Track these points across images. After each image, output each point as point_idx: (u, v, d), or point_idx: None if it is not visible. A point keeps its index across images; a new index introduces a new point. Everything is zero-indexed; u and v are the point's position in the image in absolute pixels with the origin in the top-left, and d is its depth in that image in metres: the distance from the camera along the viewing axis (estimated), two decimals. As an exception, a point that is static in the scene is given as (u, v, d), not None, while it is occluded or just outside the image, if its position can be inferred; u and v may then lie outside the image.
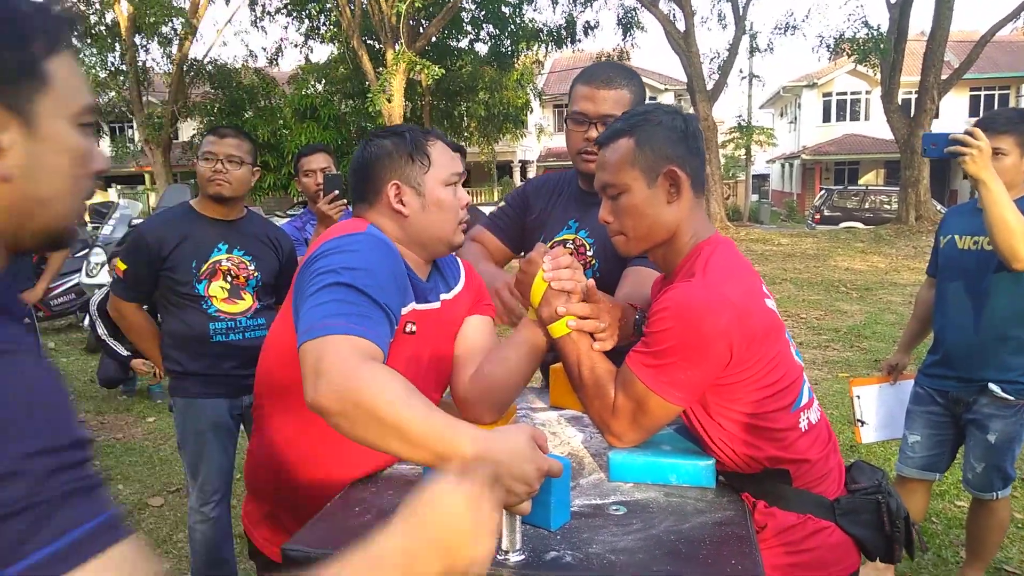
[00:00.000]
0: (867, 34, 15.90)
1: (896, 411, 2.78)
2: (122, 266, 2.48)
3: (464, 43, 20.08)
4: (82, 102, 0.68)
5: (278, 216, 13.56)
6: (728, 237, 1.38)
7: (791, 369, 1.31)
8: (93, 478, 0.57)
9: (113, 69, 19.98)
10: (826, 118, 30.31)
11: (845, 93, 29.94)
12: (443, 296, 1.48)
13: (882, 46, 15.06)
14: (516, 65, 20.17)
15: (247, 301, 2.51)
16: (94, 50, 19.66)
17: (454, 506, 0.75)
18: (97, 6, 18.71)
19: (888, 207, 18.63)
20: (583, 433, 1.58)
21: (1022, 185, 2.33)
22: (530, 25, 19.20)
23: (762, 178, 38.47)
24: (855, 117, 29.89)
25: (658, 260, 1.41)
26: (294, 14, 19.30)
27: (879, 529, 1.32)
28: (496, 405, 1.47)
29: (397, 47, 15.31)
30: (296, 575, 0.76)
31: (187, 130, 22.20)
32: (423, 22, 17.52)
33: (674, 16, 17.05)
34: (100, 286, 6.65)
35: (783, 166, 35.47)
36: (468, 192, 2.04)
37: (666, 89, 29.21)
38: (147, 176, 25.64)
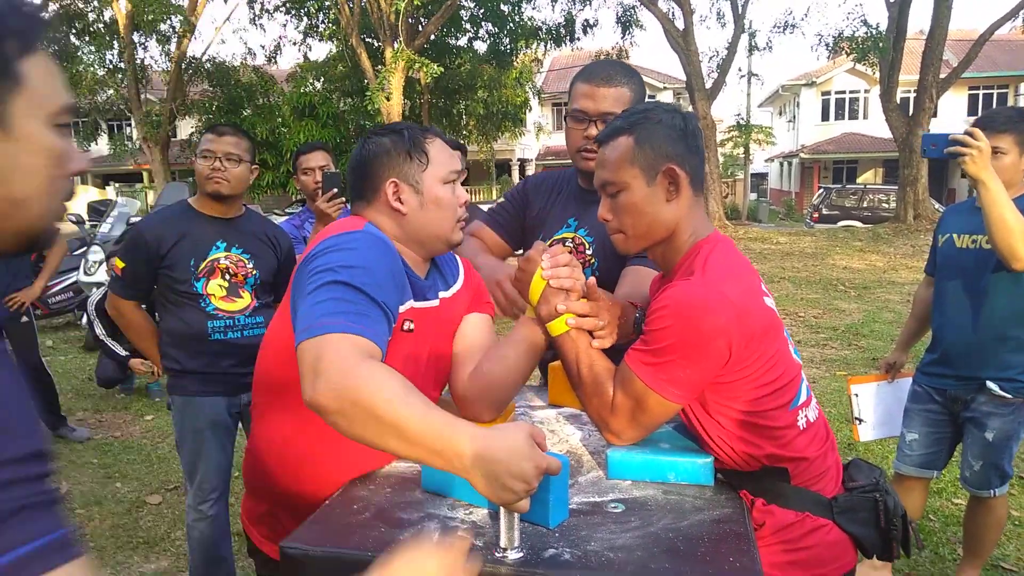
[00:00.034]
0: (866, 33, 15.90)
1: (894, 409, 2.79)
2: (120, 264, 2.48)
3: (463, 41, 20.06)
4: (59, 102, 0.67)
5: (276, 214, 13.55)
6: (727, 236, 1.38)
7: (789, 367, 1.31)
8: (49, 493, 0.56)
9: (111, 67, 19.95)
10: (825, 117, 30.33)
11: (844, 92, 29.95)
12: (442, 294, 1.48)
13: (881, 45, 15.06)
14: (515, 63, 20.14)
15: (245, 299, 2.51)
16: (92, 48, 19.63)
17: (429, 571, 0.78)
18: (95, 3, 18.68)
19: (886, 206, 18.65)
20: (581, 431, 1.58)
21: (1021, 184, 2.34)
22: (529, 23, 19.18)
23: (761, 177, 38.49)
24: (854, 116, 29.91)
25: (657, 258, 1.42)
26: (293, 12, 19.27)
27: (876, 527, 1.33)
28: (495, 403, 1.47)
29: (396, 45, 15.30)
30: None
31: (185, 128, 22.19)
32: (422, 20, 17.51)
33: (673, 14, 17.04)
34: (98, 284, 6.65)
35: (782, 165, 35.49)
36: (467, 190, 2.05)
37: (665, 87, 29.21)
38: (145, 174, 25.62)
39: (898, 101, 15.82)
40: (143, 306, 2.59)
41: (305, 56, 20.51)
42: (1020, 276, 2.25)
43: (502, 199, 2.14)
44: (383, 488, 1.29)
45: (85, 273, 7.28)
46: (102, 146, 26.41)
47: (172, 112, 18.94)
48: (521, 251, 1.92)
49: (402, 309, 1.34)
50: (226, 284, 2.47)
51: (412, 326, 1.38)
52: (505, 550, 1.03)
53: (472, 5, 18.88)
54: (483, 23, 19.50)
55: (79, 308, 7.38)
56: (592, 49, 22.98)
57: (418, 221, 1.40)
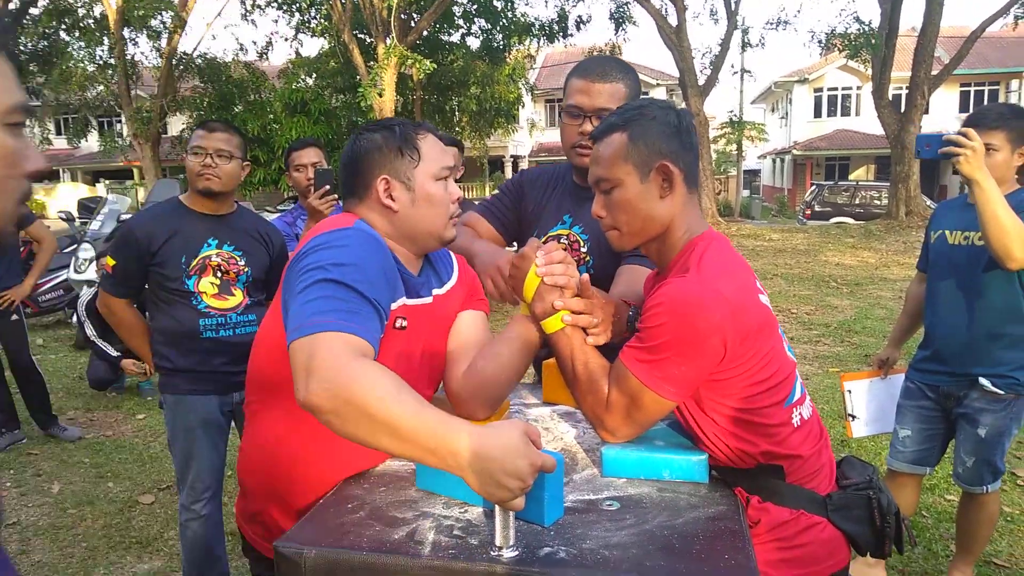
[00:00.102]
0: (858, 29, 15.96)
1: (887, 405, 2.79)
2: (111, 262, 2.46)
3: (456, 37, 20.00)
4: (9, 101, 0.66)
5: (268, 211, 13.49)
6: (721, 233, 1.38)
7: (784, 365, 1.31)
8: None
9: (101, 63, 19.82)
10: (817, 113, 30.41)
11: (836, 88, 30.04)
12: (435, 291, 1.47)
13: (873, 41, 15.12)
14: (508, 59, 20.12)
15: (237, 297, 2.50)
16: (82, 44, 19.50)
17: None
18: (85, -1, 18.57)
19: (878, 202, 18.74)
20: (576, 428, 1.57)
21: (1013, 180, 2.34)
22: (522, 19, 19.14)
23: (753, 173, 38.57)
24: (846, 112, 30.01)
25: (651, 255, 1.41)
26: (284, 7, 19.17)
27: (870, 524, 1.33)
28: (489, 401, 1.47)
29: (388, 41, 15.25)
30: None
31: (176, 124, 22.08)
32: (414, 16, 17.45)
33: (666, 11, 17.04)
34: (88, 282, 6.62)
35: (774, 161, 35.58)
36: (460, 187, 2.03)
37: (658, 84, 29.22)
38: (136, 171, 25.51)
39: (890, 98, 15.86)
40: (134, 304, 2.57)
41: (297, 52, 20.42)
42: (1013, 273, 2.25)
43: (497, 191, 2.12)
44: (377, 487, 1.29)
45: (75, 271, 7.23)
46: (92, 143, 26.29)
47: (163, 108, 18.84)
48: (516, 245, 1.91)
49: (394, 306, 1.33)
50: (218, 282, 2.46)
51: (405, 323, 1.37)
52: (500, 548, 1.03)
53: (465, 1, 18.84)
54: (476, 19, 19.45)
55: (69, 306, 7.34)
56: (585, 45, 22.99)
57: (410, 218, 1.39)
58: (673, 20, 16.63)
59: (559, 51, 28.66)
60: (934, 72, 15.37)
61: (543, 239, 1.88)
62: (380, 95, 14.99)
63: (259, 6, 19.29)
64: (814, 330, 7.14)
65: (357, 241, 1.26)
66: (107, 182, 27.25)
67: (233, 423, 2.59)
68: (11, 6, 17.43)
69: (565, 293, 1.37)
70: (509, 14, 19.07)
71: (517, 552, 1.04)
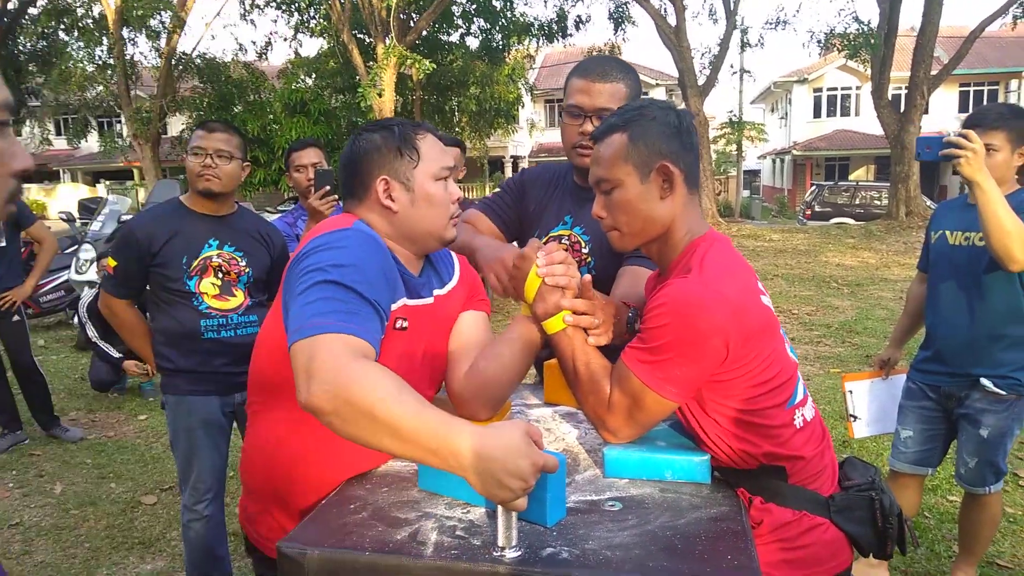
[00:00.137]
0: (857, 29, 15.96)
1: (888, 406, 2.80)
2: (112, 263, 2.46)
3: (455, 37, 19.98)
4: None
5: (269, 212, 13.48)
6: (723, 234, 1.38)
7: (786, 366, 1.31)
8: None
9: (101, 63, 19.81)
10: (816, 114, 30.42)
11: (835, 88, 30.05)
12: (436, 292, 1.47)
13: (872, 41, 15.12)
14: (507, 60, 20.11)
15: (238, 297, 2.50)
16: (81, 44, 19.49)
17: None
18: (84, -1, 18.56)
19: (878, 203, 18.73)
20: (578, 429, 1.57)
21: (1013, 180, 2.34)
22: (521, 19, 19.12)
23: (753, 174, 38.57)
24: (845, 113, 30.01)
25: (653, 256, 1.41)
26: (283, 7, 19.16)
27: (872, 526, 1.33)
28: (491, 401, 1.47)
29: (387, 41, 15.24)
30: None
31: (176, 125, 22.07)
32: (413, 16, 17.44)
33: (665, 11, 17.04)
34: (89, 283, 6.61)
35: (774, 162, 35.58)
36: (460, 187, 2.03)
37: (657, 84, 29.21)
38: (136, 171, 25.51)
39: (889, 98, 15.86)
40: (135, 305, 2.57)
41: (296, 52, 20.40)
42: (1014, 274, 2.25)
43: (498, 189, 2.12)
44: (380, 487, 1.29)
45: (76, 272, 7.23)
46: (92, 143, 26.28)
47: (162, 109, 18.82)
48: (516, 244, 1.90)
49: (394, 307, 1.33)
50: (219, 282, 2.46)
51: (406, 324, 1.37)
52: (503, 549, 1.03)
53: (464, 1, 18.83)
54: (475, 19, 19.44)
55: (70, 307, 7.34)
56: (584, 45, 22.96)
57: (410, 218, 1.39)
58: (672, 20, 16.62)
59: (558, 51, 28.66)
60: (933, 72, 15.36)
61: (544, 240, 1.88)
62: (380, 95, 14.99)
63: (258, 6, 19.29)
64: (815, 331, 7.14)
65: (356, 242, 1.26)
66: (107, 183, 27.26)
67: (235, 424, 2.59)
68: (10, 6, 17.44)
69: (566, 294, 1.37)
70: (508, 14, 19.06)
71: (519, 553, 1.04)
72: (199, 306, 2.43)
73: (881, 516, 1.33)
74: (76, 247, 7.56)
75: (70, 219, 8.53)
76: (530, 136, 29.66)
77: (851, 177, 27.82)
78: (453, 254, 1.59)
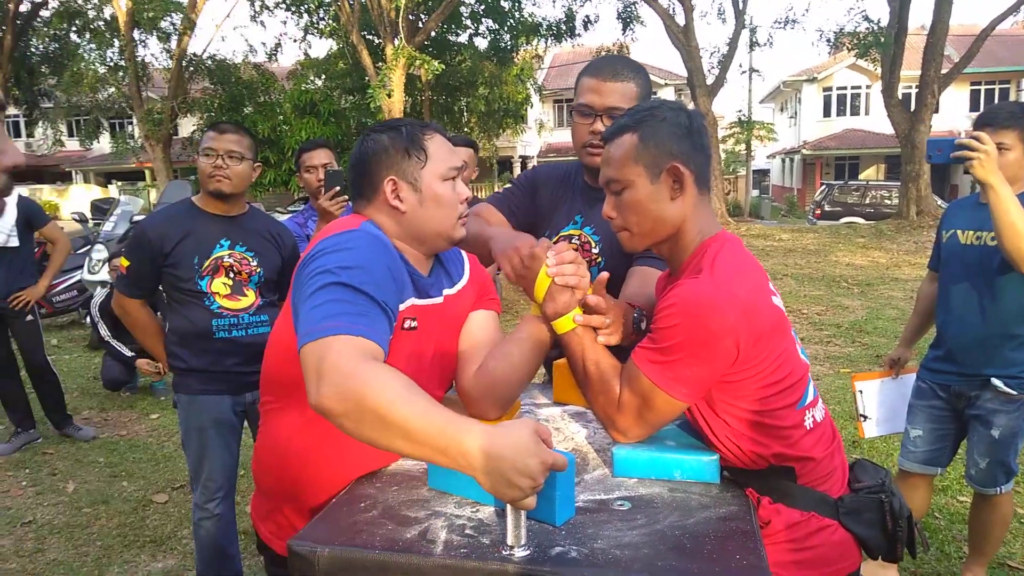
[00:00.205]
0: (867, 28, 15.87)
1: (898, 405, 2.78)
2: (125, 263, 2.48)
3: (463, 38, 20.00)
4: None
5: (279, 212, 13.56)
6: (734, 234, 1.38)
7: (797, 367, 1.31)
8: None
9: (112, 65, 19.95)
10: (826, 113, 30.27)
11: (845, 87, 29.89)
12: (446, 291, 1.48)
13: (882, 40, 15.02)
14: (516, 60, 20.11)
15: (250, 297, 2.51)
16: (93, 46, 19.63)
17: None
18: (96, 1, 18.67)
19: (889, 202, 18.62)
20: (587, 429, 1.58)
21: (1025, 179, 2.33)
22: (529, 19, 19.13)
23: (762, 173, 38.43)
24: (855, 112, 29.85)
25: (664, 256, 1.42)
26: (293, 9, 19.24)
27: (882, 528, 1.33)
28: (500, 401, 1.47)
29: (396, 42, 15.26)
30: None
31: (187, 126, 22.18)
32: (422, 17, 17.48)
33: (674, 10, 17.00)
34: (101, 283, 6.66)
35: (783, 161, 35.43)
36: (471, 187, 2.03)
37: (666, 84, 29.15)
38: (147, 172, 25.65)
39: (900, 97, 15.76)
40: (148, 305, 2.59)
41: (306, 53, 20.49)
42: None
43: (509, 185, 2.11)
44: (390, 486, 1.30)
45: (89, 272, 7.29)
46: (104, 144, 26.46)
47: (173, 110, 18.93)
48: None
49: (402, 307, 1.34)
50: (230, 282, 2.48)
51: (415, 324, 1.38)
52: (512, 548, 1.04)
53: (472, 1, 18.84)
54: (484, 19, 19.45)
55: (83, 307, 7.40)
56: (593, 45, 22.93)
57: (418, 219, 1.39)
58: (681, 20, 16.59)
59: (567, 51, 28.62)
60: (944, 71, 15.25)
61: (555, 239, 1.89)
62: (389, 96, 15.02)
63: (268, 8, 19.37)
64: (825, 330, 7.11)
65: (363, 243, 1.27)
66: (119, 183, 27.42)
67: (247, 423, 2.61)
68: (22, 8, 17.57)
69: (576, 293, 1.37)
70: (517, 14, 19.06)
71: (528, 551, 1.04)
72: (211, 306, 2.45)
73: (891, 519, 1.32)
74: (89, 247, 7.62)
75: (83, 220, 8.59)
76: (539, 136, 29.64)
77: (861, 176, 27.69)
78: (464, 253, 1.60)
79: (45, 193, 25.92)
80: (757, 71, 24.54)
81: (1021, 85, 27.35)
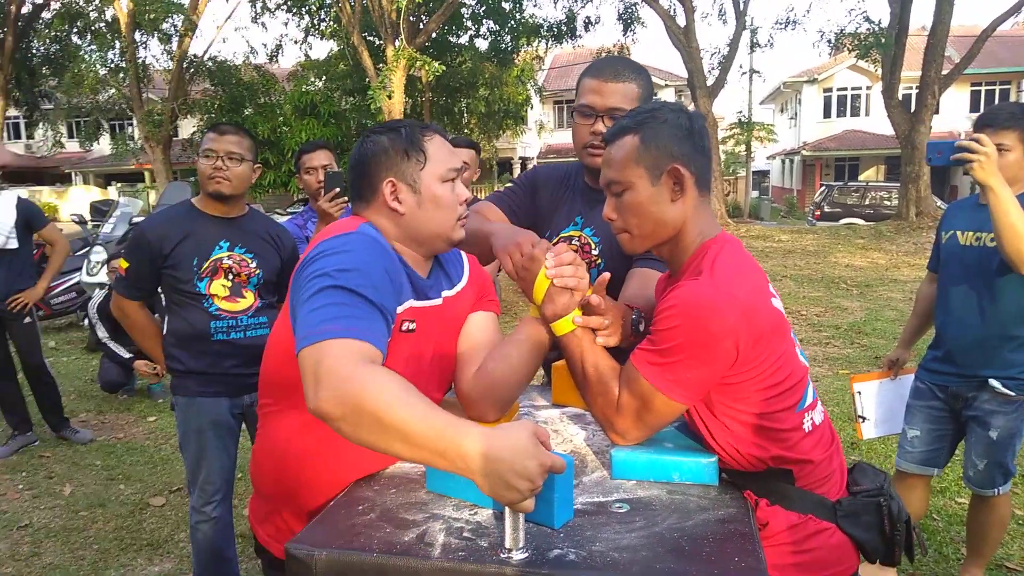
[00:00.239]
0: (868, 29, 15.87)
1: (896, 407, 2.78)
2: (124, 264, 2.48)
3: (464, 39, 20.03)
4: None
5: (278, 214, 13.56)
6: (734, 236, 1.38)
7: (796, 369, 1.31)
8: None
9: (113, 66, 19.95)
10: (826, 114, 30.29)
11: (845, 88, 29.91)
12: (445, 293, 1.48)
13: (883, 41, 15.02)
14: (516, 61, 20.12)
15: (248, 299, 2.51)
16: (94, 47, 19.63)
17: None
18: (97, 2, 18.68)
19: (888, 203, 18.63)
20: (585, 431, 1.57)
21: (1025, 180, 2.33)
22: (530, 21, 19.14)
23: (762, 174, 38.44)
24: (855, 113, 29.87)
25: (664, 257, 1.41)
26: (294, 10, 19.26)
27: (880, 532, 1.32)
28: (499, 402, 1.47)
29: (397, 43, 15.28)
30: None
31: (187, 127, 22.20)
32: (423, 18, 17.49)
33: (674, 11, 17.01)
34: (100, 285, 6.66)
35: (783, 162, 35.45)
36: (472, 188, 2.02)
37: (667, 85, 29.16)
38: (147, 174, 25.64)
39: (900, 98, 15.76)
40: (147, 307, 2.59)
41: (306, 55, 20.51)
42: None
43: (510, 184, 2.11)
44: (387, 489, 1.29)
45: (87, 274, 7.29)
46: (104, 146, 26.47)
47: (174, 111, 18.94)
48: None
49: (401, 309, 1.34)
50: (229, 284, 2.47)
51: (413, 326, 1.37)
52: (510, 550, 1.03)
53: (473, 2, 18.86)
54: (484, 21, 19.47)
55: (81, 309, 7.40)
56: (593, 47, 22.95)
57: (417, 220, 1.39)
58: (681, 21, 16.59)
59: (567, 52, 28.62)
60: (945, 71, 15.25)
61: (555, 240, 1.88)
62: (389, 97, 15.02)
63: (269, 9, 19.40)
64: (824, 332, 7.11)
65: (360, 246, 1.27)
66: (119, 185, 27.43)
67: (245, 425, 2.61)
68: (24, 10, 17.59)
69: (575, 295, 1.37)
70: (517, 16, 19.08)
71: (527, 554, 1.04)
72: (209, 308, 2.45)
73: (889, 522, 1.32)
74: (88, 249, 7.62)
75: (82, 221, 8.60)
76: (539, 137, 29.68)
77: (861, 177, 27.69)
78: (463, 255, 1.59)
79: (44, 195, 25.93)
80: (757, 72, 24.53)
81: (1022, 86, 27.36)
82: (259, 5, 19.40)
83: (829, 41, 17.22)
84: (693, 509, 1.20)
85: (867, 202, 19.55)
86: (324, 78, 19.82)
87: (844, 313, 7.98)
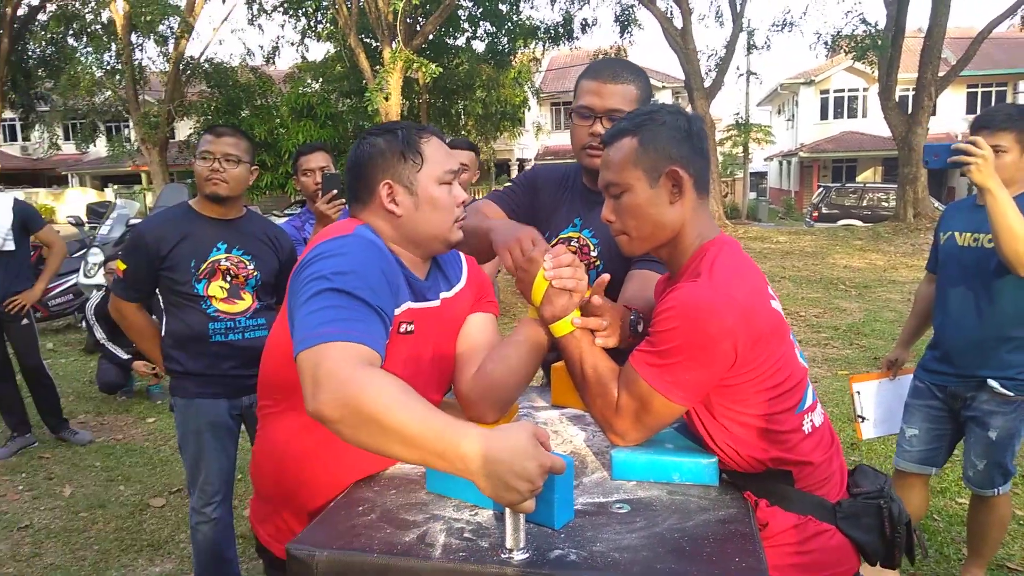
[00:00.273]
0: (865, 31, 15.90)
1: (895, 406, 2.79)
2: (122, 266, 2.48)
3: (461, 41, 20.03)
4: None
5: (275, 215, 13.54)
6: (733, 238, 1.38)
7: (796, 371, 1.31)
8: None
9: (109, 68, 19.93)
10: (824, 115, 30.33)
11: (843, 90, 29.95)
12: (443, 294, 1.48)
13: (880, 43, 15.05)
14: (513, 63, 20.14)
15: (246, 301, 2.51)
16: (90, 49, 19.61)
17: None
18: (93, 5, 18.65)
19: (886, 204, 18.66)
20: (585, 432, 1.58)
21: (1022, 181, 2.33)
22: (527, 22, 19.16)
23: (760, 176, 38.49)
24: (853, 114, 29.91)
25: (663, 259, 1.41)
26: (291, 12, 19.26)
27: (880, 534, 1.32)
28: (498, 404, 1.47)
29: (394, 45, 15.28)
30: None
31: (183, 129, 22.18)
32: (420, 20, 17.49)
33: (671, 13, 17.04)
34: (97, 286, 6.66)
35: (781, 164, 35.49)
36: (472, 190, 2.02)
37: (664, 87, 29.20)
38: (144, 175, 25.63)
39: (897, 99, 15.80)
40: (145, 308, 2.59)
41: (303, 57, 20.51)
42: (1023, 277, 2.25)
43: (509, 184, 2.11)
44: (388, 490, 1.29)
45: (85, 275, 7.28)
46: (100, 148, 26.43)
47: (170, 113, 18.92)
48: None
49: (398, 311, 1.34)
50: (227, 286, 2.47)
51: (411, 328, 1.37)
52: (511, 551, 1.03)
53: (470, 4, 18.86)
54: (481, 23, 19.47)
55: (79, 310, 7.39)
56: (590, 48, 22.96)
57: (413, 222, 1.39)
58: (678, 23, 16.63)
59: (564, 54, 28.62)
60: (941, 73, 15.29)
61: (553, 242, 1.88)
62: (386, 99, 15.02)
63: (265, 11, 19.38)
64: (822, 333, 7.12)
65: (357, 248, 1.27)
66: (115, 187, 27.36)
67: (244, 426, 2.60)
68: (20, 12, 17.56)
69: (573, 296, 1.37)
70: (514, 17, 19.09)
71: (527, 554, 1.04)
72: (207, 309, 2.45)
73: (889, 524, 1.32)
74: (85, 251, 7.62)
75: (79, 223, 8.59)
76: (536, 139, 29.68)
77: (858, 179, 27.74)
78: (462, 256, 1.59)
79: (41, 196, 25.88)
80: (755, 74, 24.60)
81: (1018, 87, 27.43)
82: (256, 7, 19.39)
83: (826, 43, 17.24)
84: (693, 510, 1.20)
85: (865, 203, 19.58)
86: (321, 80, 19.81)
87: (843, 314, 8.00)
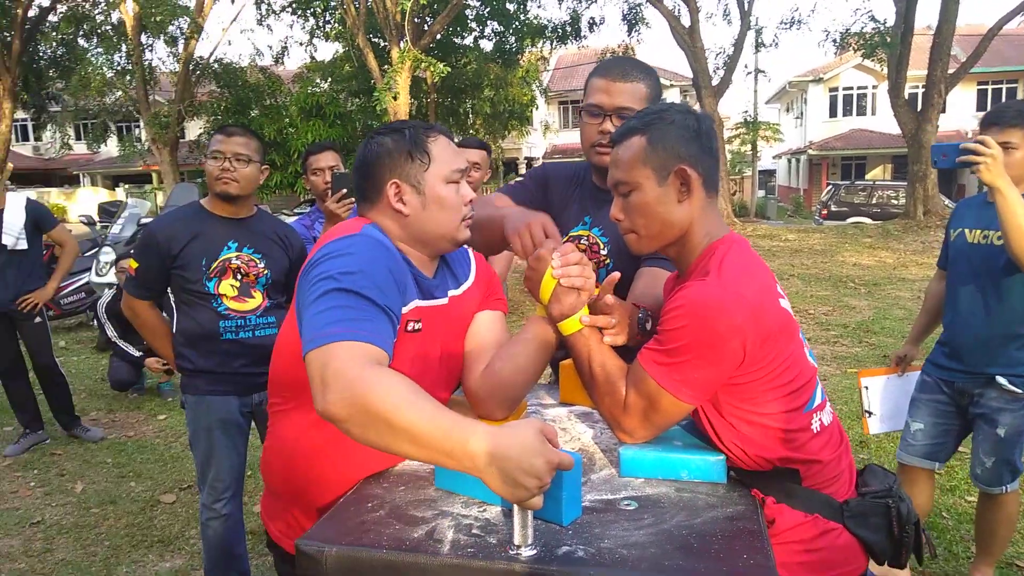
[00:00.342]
0: (873, 28, 15.82)
1: (903, 402, 2.79)
2: (134, 264, 2.51)
3: (469, 40, 20.01)
4: None
5: (285, 214, 13.57)
6: (742, 236, 1.38)
7: (805, 369, 1.31)
8: None
9: (119, 68, 20.02)
10: (832, 113, 30.18)
11: (851, 88, 29.80)
12: (451, 292, 1.48)
13: (889, 40, 14.97)
14: (521, 62, 20.11)
15: (257, 299, 2.53)
16: (100, 50, 19.71)
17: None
18: (103, 6, 18.75)
19: (896, 202, 18.54)
20: (593, 429, 1.58)
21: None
22: (535, 22, 19.12)
23: (768, 174, 38.35)
24: (862, 112, 29.75)
25: (672, 258, 1.42)
26: (299, 12, 19.29)
27: (888, 533, 1.32)
28: (506, 401, 1.48)
29: (402, 45, 15.28)
30: None
31: (194, 129, 22.27)
32: (428, 19, 17.49)
33: (679, 12, 16.98)
34: (109, 285, 6.70)
35: (789, 161, 35.34)
36: (482, 188, 2.03)
37: (672, 85, 29.11)
38: (154, 175, 25.73)
39: (906, 97, 15.69)
40: (157, 306, 2.61)
41: (312, 56, 20.54)
42: None
43: (521, 178, 2.11)
44: (397, 486, 1.30)
45: (96, 274, 7.33)
46: (111, 148, 26.58)
47: (180, 113, 18.99)
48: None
49: (406, 309, 1.34)
50: (238, 284, 2.49)
51: (419, 326, 1.38)
52: (519, 547, 1.04)
53: (478, 4, 18.84)
54: (489, 22, 19.45)
55: (91, 309, 7.44)
56: (598, 47, 22.90)
57: (421, 221, 1.40)
58: (686, 21, 16.57)
59: (572, 53, 28.57)
60: (951, 70, 15.18)
61: (563, 240, 1.88)
62: (395, 98, 15.02)
63: (274, 11, 19.41)
64: (832, 331, 7.10)
65: (364, 247, 1.27)
66: (126, 186, 27.52)
67: (255, 424, 2.62)
68: (30, 13, 17.67)
69: (581, 295, 1.37)
70: (522, 16, 19.06)
71: (535, 551, 1.05)
72: (218, 307, 2.47)
73: (897, 524, 1.32)
74: (96, 250, 7.67)
75: (90, 222, 8.64)
76: (544, 138, 29.64)
77: (868, 176, 27.57)
78: (471, 253, 1.60)
79: (53, 196, 26.06)
80: (763, 72, 24.47)
81: (1028, 84, 27.22)
82: (264, 7, 19.43)
83: (834, 41, 17.17)
84: (701, 507, 1.20)
85: (874, 201, 19.45)
86: (329, 80, 19.84)
87: (852, 312, 7.96)
